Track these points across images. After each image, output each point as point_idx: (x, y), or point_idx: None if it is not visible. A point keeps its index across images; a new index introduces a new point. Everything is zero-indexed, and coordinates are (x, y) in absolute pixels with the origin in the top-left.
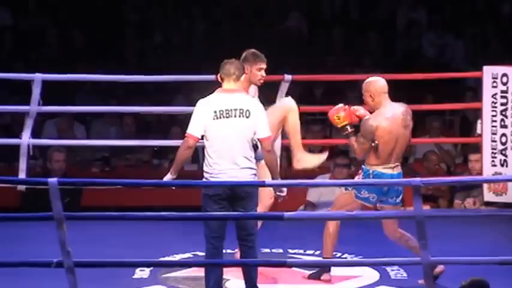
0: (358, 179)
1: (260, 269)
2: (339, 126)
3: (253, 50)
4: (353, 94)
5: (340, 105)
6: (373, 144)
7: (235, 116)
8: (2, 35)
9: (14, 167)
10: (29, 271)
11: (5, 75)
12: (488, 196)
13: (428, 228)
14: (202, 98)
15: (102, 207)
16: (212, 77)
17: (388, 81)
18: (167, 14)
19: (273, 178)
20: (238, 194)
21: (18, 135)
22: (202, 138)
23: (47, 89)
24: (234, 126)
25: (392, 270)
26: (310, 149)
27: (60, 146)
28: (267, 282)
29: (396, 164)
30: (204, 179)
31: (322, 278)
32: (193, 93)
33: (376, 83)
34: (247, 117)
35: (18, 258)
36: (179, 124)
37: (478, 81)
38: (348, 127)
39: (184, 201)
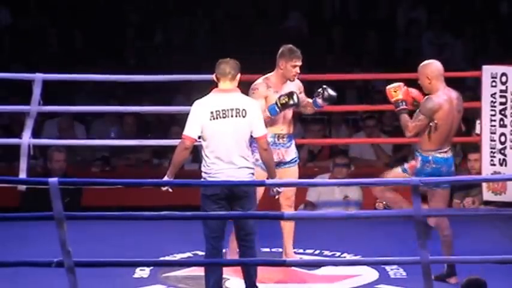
0: (412, 165)
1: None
2: (393, 99)
3: (290, 45)
4: (352, 93)
5: (398, 83)
6: (431, 123)
7: (231, 116)
8: (2, 34)
9: (15, 167)
10: (29, 271)
11: (5, 75)
12: (487, 195)
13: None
14: (199, 98)
15: (102, 207)
16: (212, 76)
17: (388, 81)
18: (168, 14)
19: (270, 177)
20: (236, 194)
21: (18, 135)
22: (199, 139)
23: (47, 88)
24: (231, 126)
25: (392, 269)
26: (310, 149)
27: (61, 146)
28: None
29: (449, 147)
30: (202, 179)
31: (448, 280)
32: (193, 93)
33: (434, 65)
34: (243, 116)
35: (19, 258)
36: (179, 124)
37: (477, 81)
38: (404, 103)
39: (184, 200)
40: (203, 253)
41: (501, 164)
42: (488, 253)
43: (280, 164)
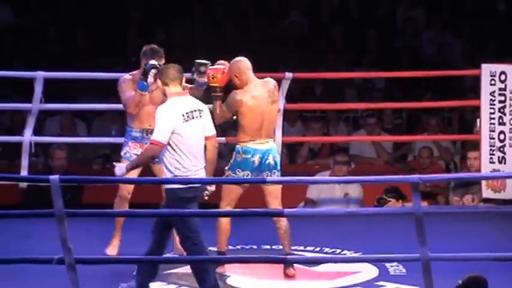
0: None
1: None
2: (210, 84)
3: (152, 45)
4: (352, 92)
5: (221, 66)
6: (233, 118)
7: (196, 117)
8: (4, 33)
9: (16, 165)
10: (30, 268)
11: (7, 73)
12: (487, 193)
13: (426, 224)
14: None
15: (103, 204)
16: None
17: (388, 79)
18: (169, 12)
19: (211, 175)
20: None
21: (20, 133)
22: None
23: (48, 86)
24: (198, 126)
25: (392, 266)
26: (311, 146)
27: (62, 144)
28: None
29: (267, 140)
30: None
31: (286, 272)
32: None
33: (239, 62)
34: (201, 117)
35: (19, 255)
36: None
37: (477, 79)
38: (218, 90)
39: None
40: None
41: (500, 162)
42: (488, 250)
43: None
